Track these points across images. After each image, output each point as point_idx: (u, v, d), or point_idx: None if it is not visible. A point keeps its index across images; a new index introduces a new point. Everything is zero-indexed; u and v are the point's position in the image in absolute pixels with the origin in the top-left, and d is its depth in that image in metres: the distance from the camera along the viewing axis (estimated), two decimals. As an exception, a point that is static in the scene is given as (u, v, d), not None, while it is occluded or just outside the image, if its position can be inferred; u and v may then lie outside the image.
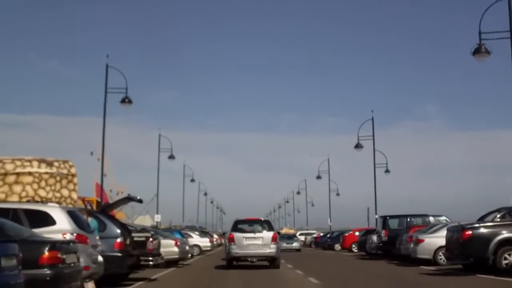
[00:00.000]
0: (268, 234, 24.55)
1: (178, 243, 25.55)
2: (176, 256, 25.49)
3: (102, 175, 37.81)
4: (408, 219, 30.89)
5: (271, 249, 24.39)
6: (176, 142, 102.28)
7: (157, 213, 59.81)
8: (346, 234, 45.46)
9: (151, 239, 18.28)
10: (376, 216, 53.95)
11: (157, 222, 59.41)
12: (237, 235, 24.52)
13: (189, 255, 28.14)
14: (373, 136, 48.51)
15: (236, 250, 24.38)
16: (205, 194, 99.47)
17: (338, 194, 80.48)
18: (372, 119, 49.09)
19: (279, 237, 25.54)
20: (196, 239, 41.99)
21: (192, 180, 76.36)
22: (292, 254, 41.51)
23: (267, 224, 25.25)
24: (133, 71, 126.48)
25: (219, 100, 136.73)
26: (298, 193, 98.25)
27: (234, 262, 24.92)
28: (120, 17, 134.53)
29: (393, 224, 31.05)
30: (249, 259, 25.04)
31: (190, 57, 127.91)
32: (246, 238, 24.48)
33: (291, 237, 56.28)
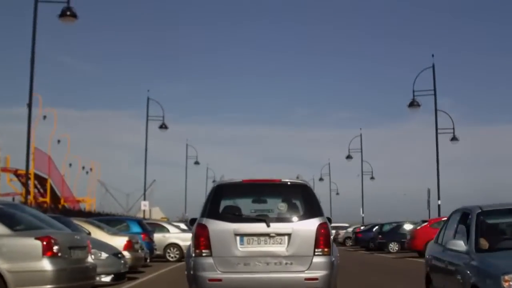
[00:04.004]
0: (304, 226, 8.33)
1: (55, 249, 9.11)
2: (48, 286, 9.06)
3: (29, 135, 24.35)
4: None
5: (312, 271, 8.13)
6: (187, 134, 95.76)
7: (144, 199, 50.32)
8: (418, 228, 28.03)
9: None
10: (439, 202, 38.38)
11: (143, 211, 49.28)
12: (219, 228, 8.29)
13: (109, 278, 11.62)
14: (435, 89, 37.10)
15: (214, 274, 8.10)
16: (214, 181, 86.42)
17: (372, 178, 65.60)
18: (433, 66, 36.99)
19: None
20: (174, 235, 25.69)
21: (196, 163, 67.82)
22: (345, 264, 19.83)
23: (300, 199, 8.83)
24: (140, 67, 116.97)
25: (230, 93, 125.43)
26: (321, 179, 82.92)
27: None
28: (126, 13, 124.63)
29: None
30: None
31: (202, 51, 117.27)
32: (243, 236, 8.24)
33: None
